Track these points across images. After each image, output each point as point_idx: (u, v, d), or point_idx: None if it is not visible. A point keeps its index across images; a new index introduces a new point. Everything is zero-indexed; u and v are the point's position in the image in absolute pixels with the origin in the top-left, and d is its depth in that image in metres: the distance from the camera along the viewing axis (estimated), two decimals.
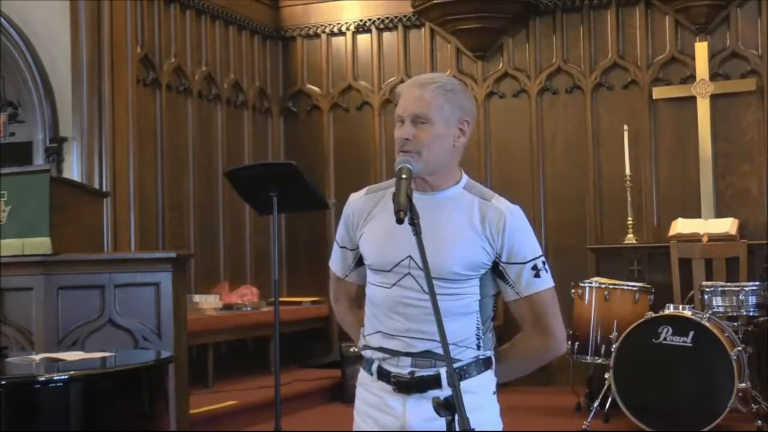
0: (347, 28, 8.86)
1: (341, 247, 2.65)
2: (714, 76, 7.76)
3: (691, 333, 5.89)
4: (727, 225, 7.35)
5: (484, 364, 2.49)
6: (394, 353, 2.47)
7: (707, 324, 5.90)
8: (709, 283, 6.49)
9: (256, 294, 8.03)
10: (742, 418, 6.08)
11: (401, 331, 2.46)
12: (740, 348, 5.95)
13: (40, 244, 5.01)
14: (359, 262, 2.61)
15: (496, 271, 2.50)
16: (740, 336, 6.14)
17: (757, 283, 6.37)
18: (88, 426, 3.26)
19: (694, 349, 5.87)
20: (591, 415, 6.19)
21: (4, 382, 3.17)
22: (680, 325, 5.93)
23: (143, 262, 5.15)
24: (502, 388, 2.57)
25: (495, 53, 8.46)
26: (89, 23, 6.93)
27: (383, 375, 2.48)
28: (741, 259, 6.86)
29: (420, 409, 2.41)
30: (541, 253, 2.53)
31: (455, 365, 2.37)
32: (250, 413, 6.52)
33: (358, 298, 2.69)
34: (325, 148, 8.88)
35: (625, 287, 6.53)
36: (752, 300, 6.25)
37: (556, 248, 7.97)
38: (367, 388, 2.54)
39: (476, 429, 2.10)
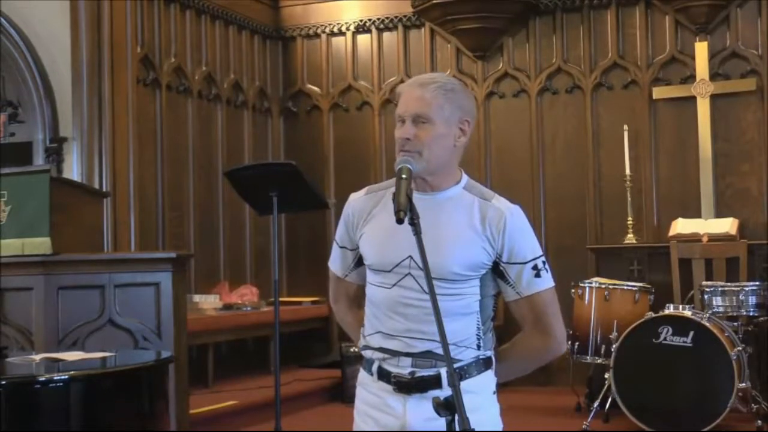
0: (347, 28, 8.86)
1: (341, 247, 2.65)
2: (714, 76, 7.76)
3: (691, 333, 5.89)
4: (727, 225, 7.35)
5: (484, 364, 2.49)
6: (395, 353, 2.46)
7: (707, 324, 5.90)
8: (709, 283, 6.49)
9: (256, 294, 8.03)
10: (742, 418, 6.08)
11: (401, 331, 2.46)
12: (740, 348, 5.95)
13: (40, 244, 5.01)
14: (359, 262, 2.61)
15: (496, 271, 2.50)
16: (740, 336, 6.14)
17: (757, 283, 6.37)
18: (88, 426, 3.26)
19: (694, 349, 5.87)
20: (591, 415, 6.19)
21: (4, 382, 3.17)
22: (680, 325, 5.93)
23: (143, 262, 5.15)
24: (502, 388, 2.57)
25: (495, 53, 8.46)
26: (89, 23, 6.93)
27: (384, 375, 2.48)
28: (741, 259, 6.86)
29: (420, 409, 2.41)
30: (541, 253, 2.53)
31: (456, 365, 2.38)
32: (250, 413, 6.52)
33: (357, 298, 2.68)
34: (325, 148, 8.88)
35: (625, 287, 6.53)
36: (752, 300, 6.25)
37: (556, 248, 7.97)
38: (368, 388, 2.54)
39: (476, 429, 2.10)
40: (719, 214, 7.62)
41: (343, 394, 7.16)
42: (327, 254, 2.73)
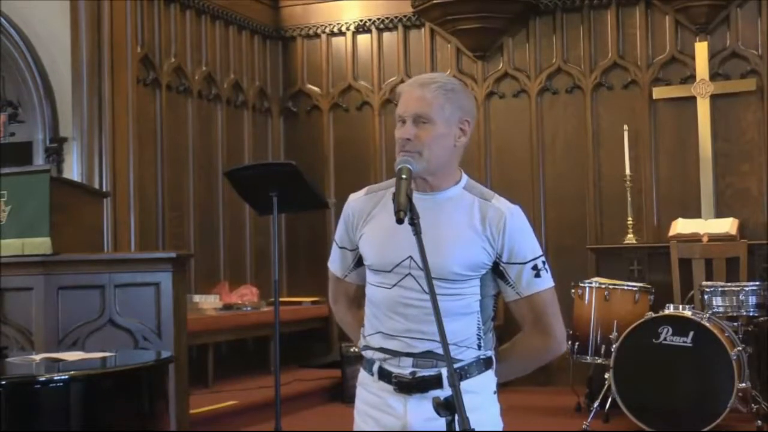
0: (347, 28, 8.86)
1: (340, 248, 2.65)
2: (714, 76, 7.76)
3: (691, 333, 5.89)
4: (727, 225, 7.35)
5: (484, 364, 2.49)
6: (395, 354, 2.46)
7: (707, 324, 5.90)
8: (709, 283, 6.49)
9: (256, 294, 8.03)
10: (742, 418, 6.08)
11: (401, 331, 2.46)
12: (740, 348, 5.95)
13: (40, 244, 5.01)
14: (359, 262, 2.61)
15: (496, 271, 2.50)
16: (740, 336, 6.14)
17: (757, 283, 6.37)
18: (88, 426, 3.26)
19: (694, 349, 5.87)
20: (591, 415, 6.19)
21: (4, 382, 3.17)
22: (680, 325, 5.93)
23: (143, 262, 5.15)
24: (502, 388, 2.57)
25: (495, 53, 8.46)
26: (89, 23, 6.93)
27: (384, 375, 2.48)
28: (741, 259, 6.86)
29: (421, 409, 2.41)
30: (541, 253, 2.53)
31: (456, 365, 2.38)
32: (250, 413, 6.52)
33: (357, 299, 2.68)
34: (325, 148, 8.88)
35: (625, 287, 6.53)
36: (752, 300, 6.25)
37: (556, 248, 7.97)
38: (368, 388, 2.54)
39: (476, 429, 2.10)
40: (719, 214, 7.62)
41: (343, 394, 7.16)
42: (327, 254, 2.72)
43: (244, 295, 7.93)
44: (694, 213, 7.66)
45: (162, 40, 7.70)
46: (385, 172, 8.41)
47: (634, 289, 6.50)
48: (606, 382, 6.11)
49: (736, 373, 5.75)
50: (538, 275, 2.50)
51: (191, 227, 7.91)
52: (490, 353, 2.52)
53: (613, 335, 6.17)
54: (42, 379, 3.33)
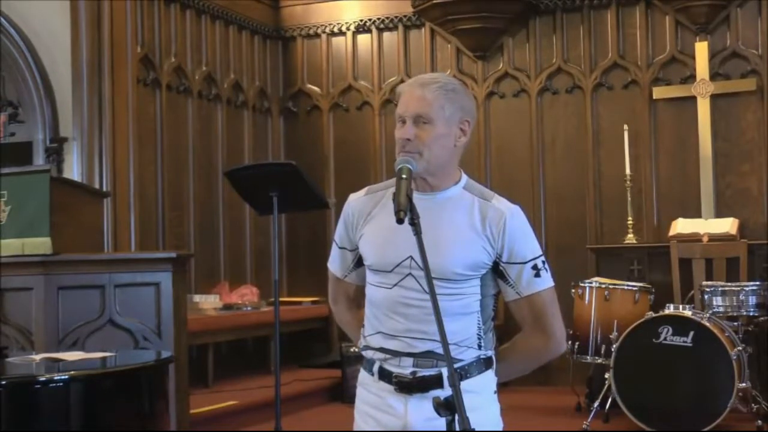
0: (347, 28, 8.86)
1: (340, 248, 2.65)
2: (714, 76, 7.76)
3: (691, 333, 5.89)
4: (727, 225, 7.35)
5: (484, 363, 2.49)
6: (396, 354, 2.46)
7: (707, 324, 5.89)
8: (709, 283, 6.49)
9: (256, 294, 8.03)
10: (742, 418, 6.08)
11: (402, 331, 2.46)
12: (740, 348, 5.94)
13: (40, 244, 5.01)
14: (358, 262, 2.61)
15: (496, 270, 2.50)
16: (740, 336, 6.14)
17: (757, 283, 6.37)
18: (88, 426, 3.26)
19: (694, 349, 5.86)
20: (591, 415, 6.18)
21: (4, 382, 3.17)
22: (680, 325, 5.93)
23: (143, 262, 5.16)
24: (502, 387, 2.58)
25: (495, 53, 8.46)
26: (89, 23, 6.93)
27: (385, 375, 2.48)
28: (741, 259, 6.85)
29: (421, 409, 2.41)
30: (541, 252, 2.53)
31: (456, 365, 2.38)
32: (250, 413, 6.52)
33: (357, 299, 2.68)
34: (325, 148, 8.88)
35: (625, 287, 6.53)
36: (752, 300, 6.25)
37: (556, 248, 7.98)
38: (368, 388, 2.54)
39: (476, 428, 2.10)
40: (719, 214, 7.62)
41: (343, 394, 7.16)
42: (327, 254, 2.72)
43: (244, 295, 7.93)
44: (694, 213, 7.66)
45: (162, 40, 7.69)
46: (385, 172, 8.41)
47: (634, 289, 6.50)
48: (606, 382, 6.11)
49: (736, 372, 5.75)
50: (538, 275, 2.50)
51: (191, 227, 7.91)
52: (491, 353, 2.52)
53: (614, 335, 6.17)
54: (42, 379, 3.33)
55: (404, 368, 2.45)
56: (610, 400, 6.13)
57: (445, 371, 2.38)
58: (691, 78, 7.83)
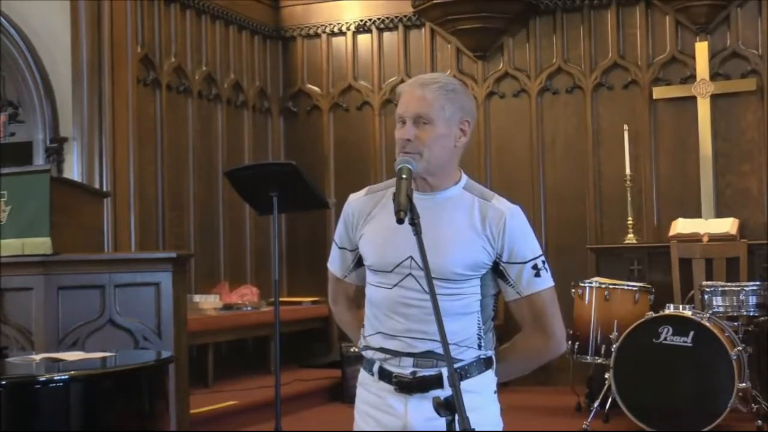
0: (347, 28, 8.86)
1: (340, 248, 2.65)
2: (714, 76, 7.76)
3: (692, 333, 5.89)
4: (727, 225, 7.35)
5: (484, 363, 2.49)
6: (396, 354, 2.46)
7: (707, 324, 5.89)
8: (709, 283, 6.49)
9: (256, 294, 8.03)
10: (742, 418, 6.08)
11: (402, 331, 2.46)
12: (740, 348, 5.94)
13: (40, 244, 5.01)
14: (358, 262, 2.61)
15: (496, 270, 2.50)
16: (740, 336, 6.14)
17: (758, 283, 6.37)
18: (88, 426, 3.26)
19: (694, 349, 5.86)
20: (591, 415, 6.18)
21: (4, 382, 3.17)
22: (680, 325, 5.93)
23: (143, 262, 5.16)
24: (502, 388, 2.58)
25: (495, 53, 8.46)
26: (89, 23, 6.93)
27: (385, 375, 2.48)
28: (741, 259, 6.85)
29: (421, 409, 2.41)
30: (541, 252, 2.53)
31: (457, 365, 2.38)
32: (250, 413, 6.52)
33: (357, 299, 2.68)
34: (325, 148, 8.88)
35: (625, 287, 6.53)
36: (752, 300, 6.25)
37: (557, 248, 7.98)
38: (368, 388, 2.54)
39: (476, 428, 2.10)
40: (719, 213, 7.62)
41: (343, 394, 7.16)
42: (327, 254, 2.72)
43: (244, 295, 7.93)
44: (694, 213, 7.66)
45: (162, 40, 7.69)
46: (385, 172, 8.41)
47: (634, 289, 6.50)
48: (606, 382, 6.11)
49: (736, 372, 5.75)
50: (538, 275, 2.50)
51: (191, 227, 7.91)
52: (491, 353, 2.52)
53: (614, 335, 6.17)
54: (42, 379, 3.33)
55: (404, 368, 2.45)
56: (610, 400, 6.13)
57: (445, 371, 2.38)
58: (691, 78, 7.83)
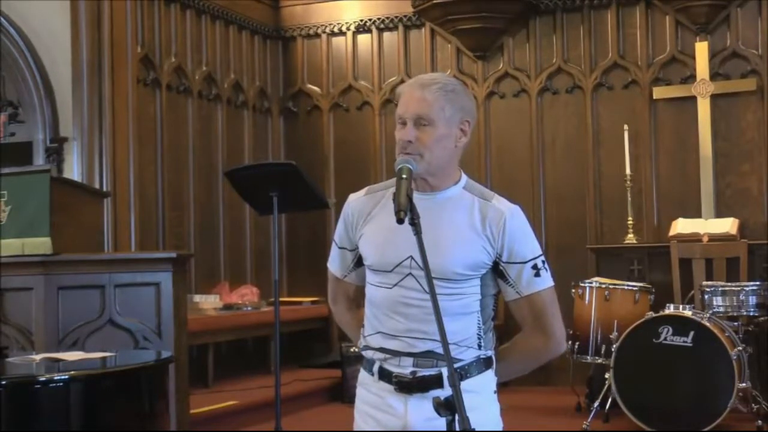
0: (347, 28, 8.86)
1: (340, 248, 2.65)
2: (714, 76, 7.76)
3: (692, 333, 5.89)
4: (728, 225, 7.35)
5: (484, 363, 2.49)
6: (396, 353, 2.46)
7: (707, 324, 5.89)
8: (709, 283, 6.49)
9: (256, 294, 8.03)
10: (742, 418, 6.08)
11: (402, 331, 2.46)
12: (740, 348, 5.94)
13: (40, 244, 5.01)
14: (358, 262, 2.61)
15: (496, 270, 2.50)
16: (740, 336, 6.14)
17: (758, 283, 6.37)
18: (88, 426, 3.26)
19: (695, 349, 5.86)
20: (591, 415, 6.18)
21: (4, 382, 3.17)
22: (680, 325, 5.93)
23: (143, 262, 5.15)
24: (502, 388, 2.58)
25: (495, 53, 8.46)
26: (89, 23, 6.93)
27: (385, 375, 2.48)
28: (741, 259, 6.86)
29: (421, 409, 2.41)
30: (541, 252, 2.53)
31: (457, 365, 2.38)
32: (250, 413, 6.52)
33: (356, 299, 2.68)
34: (325, 148, 8.88)
35: (626, 287, 6.53)
36: (752, 300, 6.25)
37: (557, 248, 7.98)
38: (368, 388, 2.54)
39: (477, 428, 2.10)
40: (719, 213, 7.62)
41: (343, 394, 7.16)
42: (327, 254, 2.72)
43: (244, 295, 7.93)
44: (694, 213, 7.66)
45: (162, 40, 7.69)
46: (385, 172, 8.41)
47: (635, 289, 6.50)
48: (606, 382, 6.11)
49: (736, 372, 5.75)
50: (537, 275, 2.50)
51: (191, 227, 7.91)
52: (491, 353, 2.52)
53: (614, 335, 6.17)
54: (42, 379, 3.33)
55: (404, 368, 2.45)
56: (610, 400, 6.13)
57: (445, 371, 2.38)
58: (691, 78, 7.83)
